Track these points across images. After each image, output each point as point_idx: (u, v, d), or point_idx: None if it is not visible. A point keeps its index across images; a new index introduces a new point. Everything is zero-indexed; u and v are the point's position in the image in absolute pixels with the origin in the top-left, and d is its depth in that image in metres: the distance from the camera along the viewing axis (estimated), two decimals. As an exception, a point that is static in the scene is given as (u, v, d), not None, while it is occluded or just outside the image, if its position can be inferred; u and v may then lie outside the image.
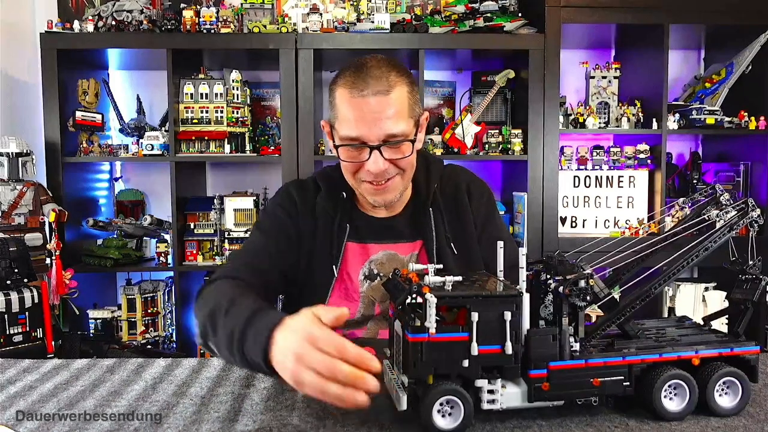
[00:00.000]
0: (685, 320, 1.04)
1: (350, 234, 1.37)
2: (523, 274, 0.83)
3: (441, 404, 0.77)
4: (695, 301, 2.65)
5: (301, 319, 0.85)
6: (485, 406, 0.80)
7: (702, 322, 1.02)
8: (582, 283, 0.81)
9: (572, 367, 0.82)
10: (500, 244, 0.87)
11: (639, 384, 0.85)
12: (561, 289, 0.81)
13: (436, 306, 0.75)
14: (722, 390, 0.86)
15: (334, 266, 1.33)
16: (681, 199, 1.08)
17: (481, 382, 0.79)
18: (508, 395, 0.81)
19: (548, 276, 0.86)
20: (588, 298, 0.81)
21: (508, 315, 0.78)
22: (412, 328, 0.77)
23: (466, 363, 0.78)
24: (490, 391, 0.80)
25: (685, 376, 0.84)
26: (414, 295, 0.77)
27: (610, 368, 0.83)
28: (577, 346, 0.83)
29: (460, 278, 0.82)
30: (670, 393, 0.84)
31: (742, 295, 0.94)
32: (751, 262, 0.94)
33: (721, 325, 1.00)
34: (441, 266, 0.86)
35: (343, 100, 1.24)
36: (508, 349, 0.78)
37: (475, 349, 0.77)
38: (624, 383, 0.84)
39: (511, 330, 0.78)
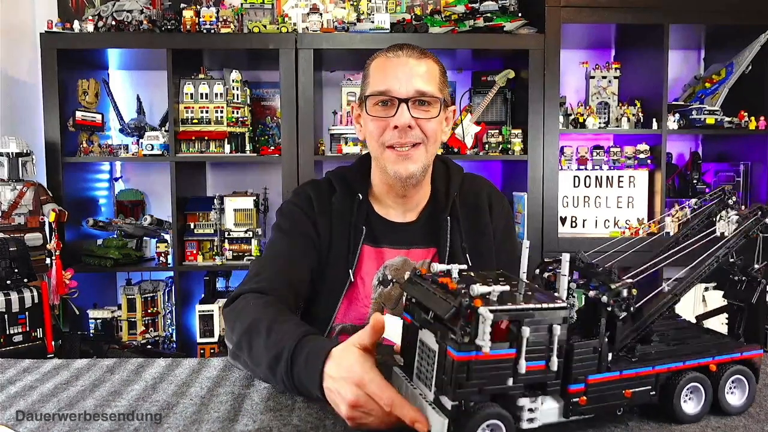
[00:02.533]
0: (677, 318, 1.04)
1: (366, 237, 1.34)
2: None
3: (482, 428, 0.71)
4: (695, 301, 2.65)
5: (348, 355, 0.85)
6: (525, 425, 0.74)
7: (694, 320, 1.02)
8: (625, 293, 0.77)
9: (608, 380, 0.78)
10: (526, 243, 0.83)
11: (662, 391, 0.83)
12: (604, 298, 0.76)
13: (490, 322, 0.67)
14: (731, 389, 0.86)
15: (350, 270, 1.31)
16: (693, 200, 1.08)
17: (524, 401, 0.73)
18: (545, 411, 0.75)
19: (570, 279, 0.81)
20: (631, 309, 0.77)
21: (557, 329, 0.71)
22: (461, 346, 0.69)
23: (510, 381, 0.71)
24: (530, 410, 0.74)
25: (702, 378, 0.83)
26: (466, 310, 0.69)
27: (641, 378, 0.81)
28: (610, 357, 0.79)
29: (507, 288, 0.74)
30: (688, 395, 0.83)
31: (738, 296, 0.95)
32: (757, 266, 0.94)
33: (721, 324, 1.00)
34: (465, 266, 0.81)
35: (378, 63, 1.31)
36: (554, 365, 0.72)
37: (523, 367, 0.70)
38: (651, 392, 0.82)
39: (558, 345, 0.72)
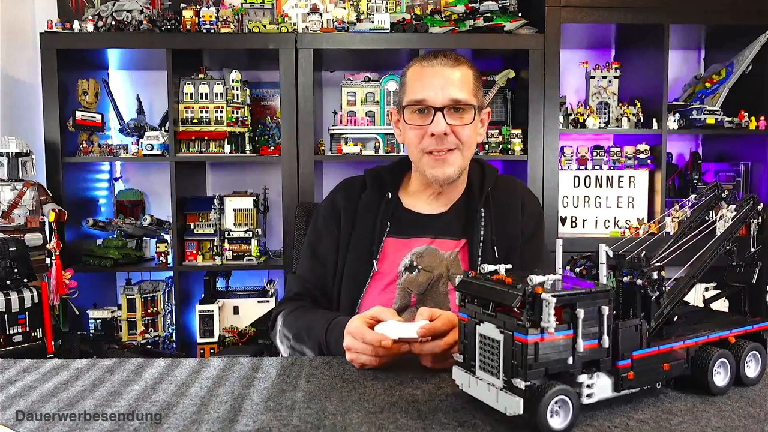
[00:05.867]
0: (686, 304, 1.10)
1: (391, 230, 1.42)
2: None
3: (553, 403, 0.78)
4: (695, 301, 2.65)
5: (351, 322, 1.12)
6: (585, 400, 0.82)
7: (702, 305, 1.14)
8: (655, 275, 0.86)
9: (650, 355, 0.87)
10: (559, 242, 0.90)
11: (693, 364, 0.92)
12: (639, 281, 0.86)
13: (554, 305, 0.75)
14: (747, 363, 0.97)
15: (374, 261, 1.40)
16: (693, 196, 1.13)
17: (582, 378, 0.82)
18: (600, 387, 0.84)
19: (596, 271, 0.90)
20: (663, 288, 0.87)
21: (605, 309, 0.80)
22: (528, 330, 0.76)
23: (570, 360, 0.80)
24: (588, 386, 0.82)
25: (728, 354, 0.94)
26: (530, 297, 0.77)
27: (676, 352, 0.90)
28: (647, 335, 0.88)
29: (559, 276, 0.83)
30: (716, 370, 0.93)
31: (739, 278, 1.05)
32: (753, 249, 1.03)
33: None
34: (510, 266, 0.87)
35: (414, 72, 1.38)
36: (605, 342, 0.81)
37: (581, 346, 0.79)
38: (684, 365, 0.92)
39: (606, 324, 0.81)
